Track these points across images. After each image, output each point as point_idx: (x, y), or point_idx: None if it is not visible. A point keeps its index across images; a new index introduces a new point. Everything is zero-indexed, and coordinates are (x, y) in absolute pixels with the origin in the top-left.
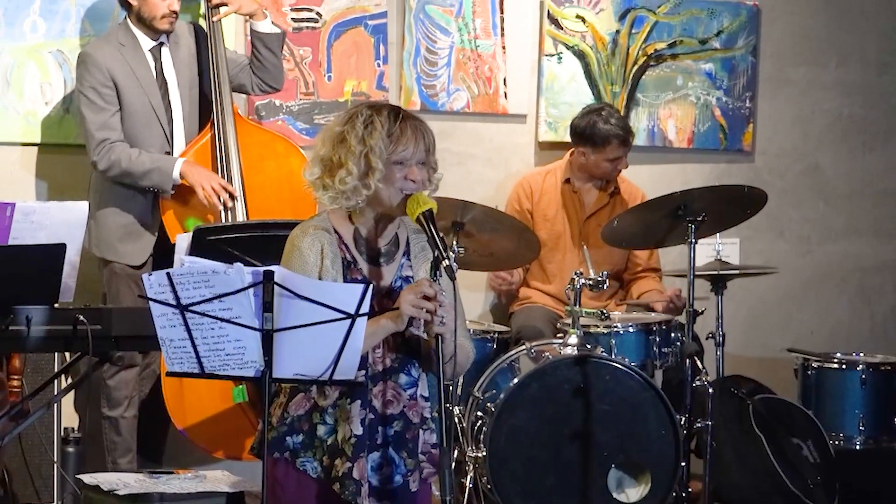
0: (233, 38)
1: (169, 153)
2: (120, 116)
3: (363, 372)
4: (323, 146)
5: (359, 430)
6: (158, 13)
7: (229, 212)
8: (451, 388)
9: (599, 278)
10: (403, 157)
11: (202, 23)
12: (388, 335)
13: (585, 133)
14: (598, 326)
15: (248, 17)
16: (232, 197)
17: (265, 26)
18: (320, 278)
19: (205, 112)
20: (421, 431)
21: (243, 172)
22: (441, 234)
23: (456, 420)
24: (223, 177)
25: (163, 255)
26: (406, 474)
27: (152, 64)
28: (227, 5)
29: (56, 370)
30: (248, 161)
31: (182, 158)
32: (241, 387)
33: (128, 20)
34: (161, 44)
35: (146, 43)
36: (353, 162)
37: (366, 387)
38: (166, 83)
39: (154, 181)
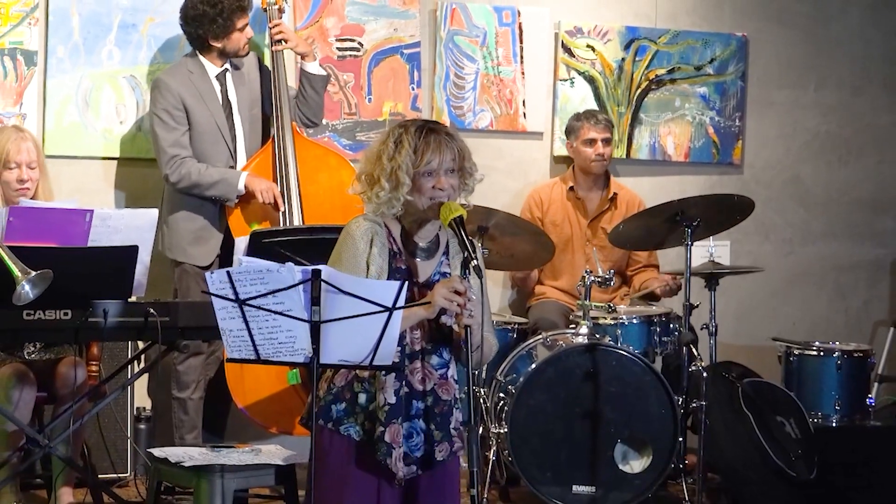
0: (292, 75)
1: (233, 167)
2: (189, 135)
3: (398, 349)
4: (365, 164)
5: (392, 399)
6: (241, 44)
7: (286, 217)
8: (476, 373)
9: (607, 276)
10: (430, 168)
11: (266, 52)
12: (422, 322)
13: (568, 125)
14: (605, 318)
15: (300, 57)
16: (277, 208)
17: (313, 67)
18: (368, 263)
19: (266, 131)
20: (450, 409)
21: (300, 182)
22: (471, 238)
23: (481, 401)
24: (281, 185)
25: (228, 256)
26: (434, 444)
27: (218, 88)
28: (287, 41)
29: (129, 357)
30: (304, 172)
31: (245, 172)
32: (294, 370)
33: (195, 51)
34: (226, 70)
35: (212, 70)
36: (384, 178)
37: (402, 364)
38: (230, 105)
39: (220, 191)
